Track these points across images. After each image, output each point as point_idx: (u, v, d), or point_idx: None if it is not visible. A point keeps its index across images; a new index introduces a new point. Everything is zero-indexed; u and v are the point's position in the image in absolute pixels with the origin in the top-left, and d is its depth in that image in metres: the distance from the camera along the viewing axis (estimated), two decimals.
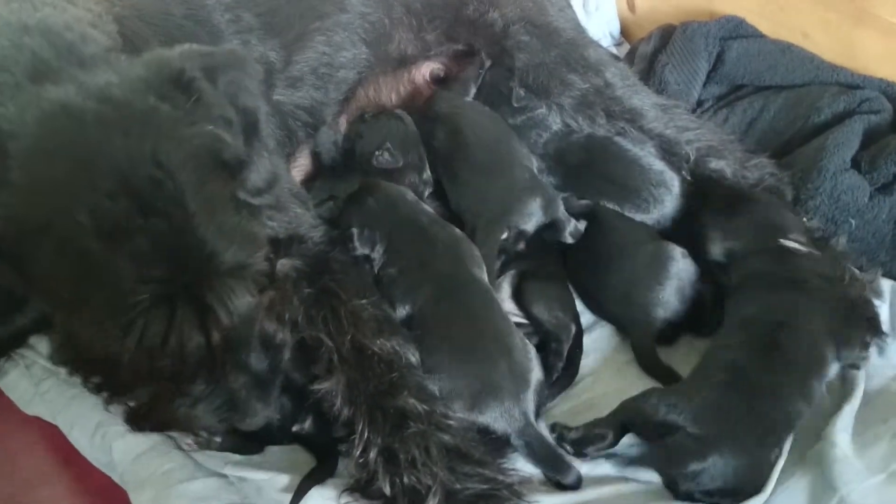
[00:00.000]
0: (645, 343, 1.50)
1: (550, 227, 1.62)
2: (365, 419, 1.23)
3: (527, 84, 1.76)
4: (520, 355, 1.36)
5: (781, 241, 1.50)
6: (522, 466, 1.31)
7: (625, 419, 1.34)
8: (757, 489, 1.25)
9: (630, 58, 2.21)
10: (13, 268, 0.99)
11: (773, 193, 1.68)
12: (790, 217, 1.59)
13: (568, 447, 1.33)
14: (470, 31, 1.81)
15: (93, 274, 0.94)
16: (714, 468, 1.25)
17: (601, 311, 1.59)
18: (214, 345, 1.00)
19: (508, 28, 1.77)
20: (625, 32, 2.45)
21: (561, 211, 1.62)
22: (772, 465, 1.27)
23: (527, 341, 1.41)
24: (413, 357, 1.32)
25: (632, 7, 2.40)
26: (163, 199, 0.94)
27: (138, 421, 1.14)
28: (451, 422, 1.26)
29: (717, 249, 1.55)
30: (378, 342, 1.30)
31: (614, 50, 2.33)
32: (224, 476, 1.27)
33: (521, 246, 1.60)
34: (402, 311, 1.42)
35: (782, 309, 1.41)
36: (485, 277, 1.47)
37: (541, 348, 1.46)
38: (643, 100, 1.77)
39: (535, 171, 1.70)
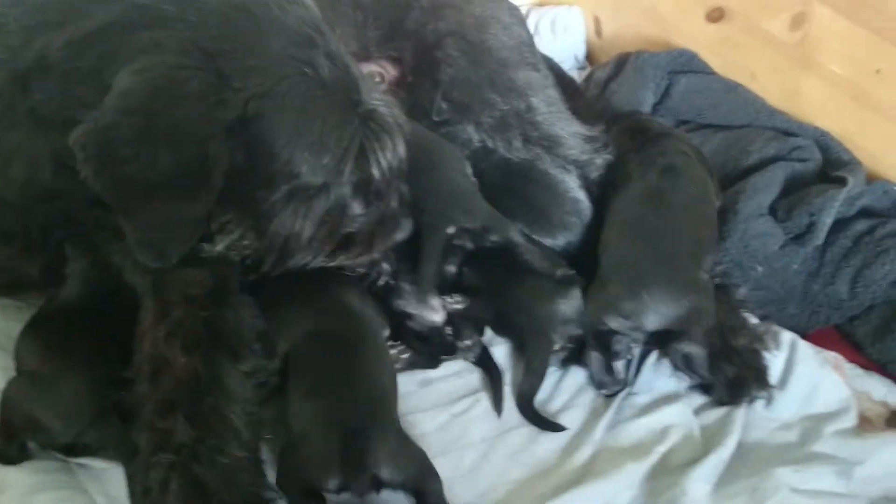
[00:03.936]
0: (538, 364, 1.46)
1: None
2: (141, 437, 1.20)
3: (450, 99, 1.74)
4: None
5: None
6: None
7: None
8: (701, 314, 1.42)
9: (588, 82, 2.21)
10: None
11: None
12: None
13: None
14: (405, 37, 1.79)
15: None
16: (650, 304, 1.41)
17: (503, 322, 1.56)
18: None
19: (441, 40, 1.75)
20: (591, 56, 2.44)
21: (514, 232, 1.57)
22: (704, 284, 1.46)
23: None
24: (229, 382, 1.23)
25: (598, 31, 2.39)
26: None
27: None
28: (222, 458, 1.17)
29: None
30: (183, 360, 1.21)
31: (575, 73, 2.31)
32: (64, 461, 1.25)
33: (470, 245, 1.56)
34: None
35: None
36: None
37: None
38: (564, 128, 1.73)
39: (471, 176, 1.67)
